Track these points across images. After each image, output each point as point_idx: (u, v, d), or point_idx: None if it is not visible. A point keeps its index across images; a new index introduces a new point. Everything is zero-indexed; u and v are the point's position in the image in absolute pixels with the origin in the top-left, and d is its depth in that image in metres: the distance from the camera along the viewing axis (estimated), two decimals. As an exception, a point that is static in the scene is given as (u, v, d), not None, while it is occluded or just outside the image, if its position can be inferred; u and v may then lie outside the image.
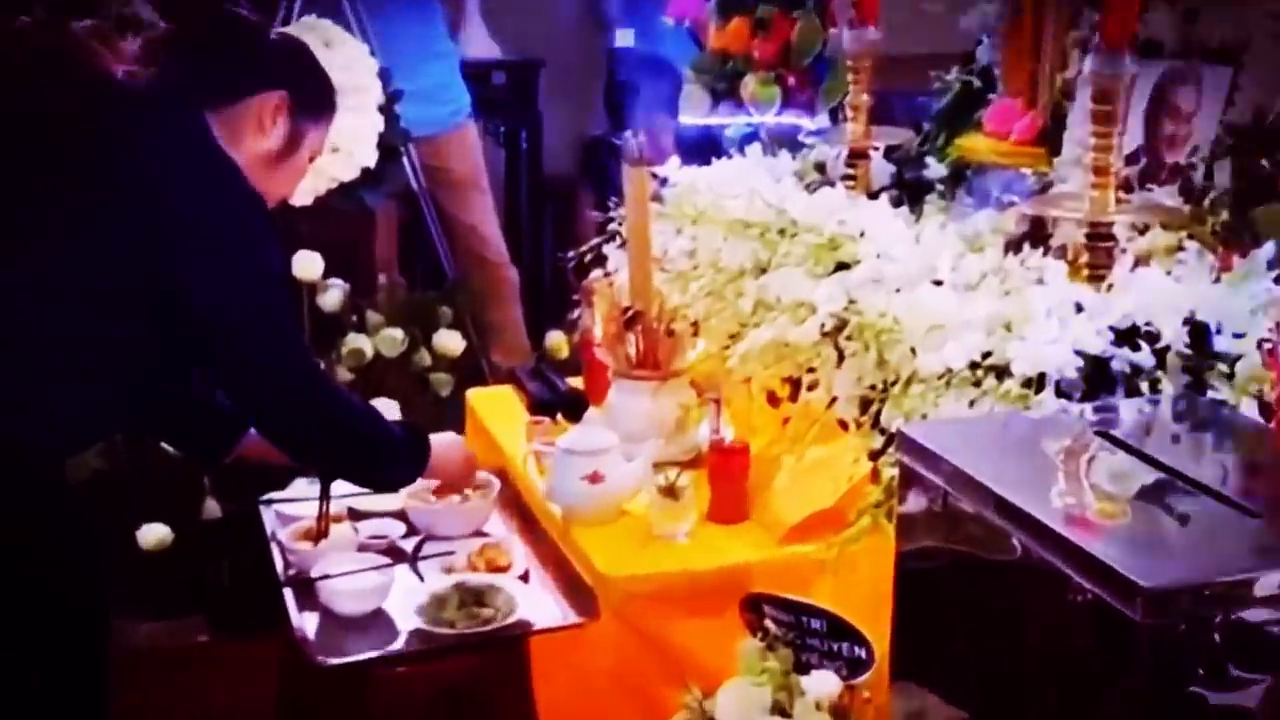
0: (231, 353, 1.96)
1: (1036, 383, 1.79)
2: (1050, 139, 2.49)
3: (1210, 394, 1.74)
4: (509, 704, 2.08)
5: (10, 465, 1.88)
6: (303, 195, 3.00)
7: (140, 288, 1.90)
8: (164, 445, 2.63)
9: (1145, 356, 1.79)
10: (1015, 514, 1.37)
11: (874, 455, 1.96)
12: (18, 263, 1.91)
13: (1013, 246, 2.17)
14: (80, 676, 2.02)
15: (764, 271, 2.30)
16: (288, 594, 2.17)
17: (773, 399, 2.33)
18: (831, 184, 2.65)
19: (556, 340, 3.33)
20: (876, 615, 1.75)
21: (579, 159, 5.39)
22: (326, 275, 3.09)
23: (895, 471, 1.68)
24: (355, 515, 2.38)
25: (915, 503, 1.56)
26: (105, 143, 1.92)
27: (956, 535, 1.48)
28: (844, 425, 2.09)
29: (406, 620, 2.07)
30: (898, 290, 2.06)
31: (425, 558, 2.27)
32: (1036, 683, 1.38)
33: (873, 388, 2.01)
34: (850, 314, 2.07)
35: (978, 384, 1.85)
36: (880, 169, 2.74)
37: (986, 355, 1.87)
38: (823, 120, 3.56)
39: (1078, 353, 1.79)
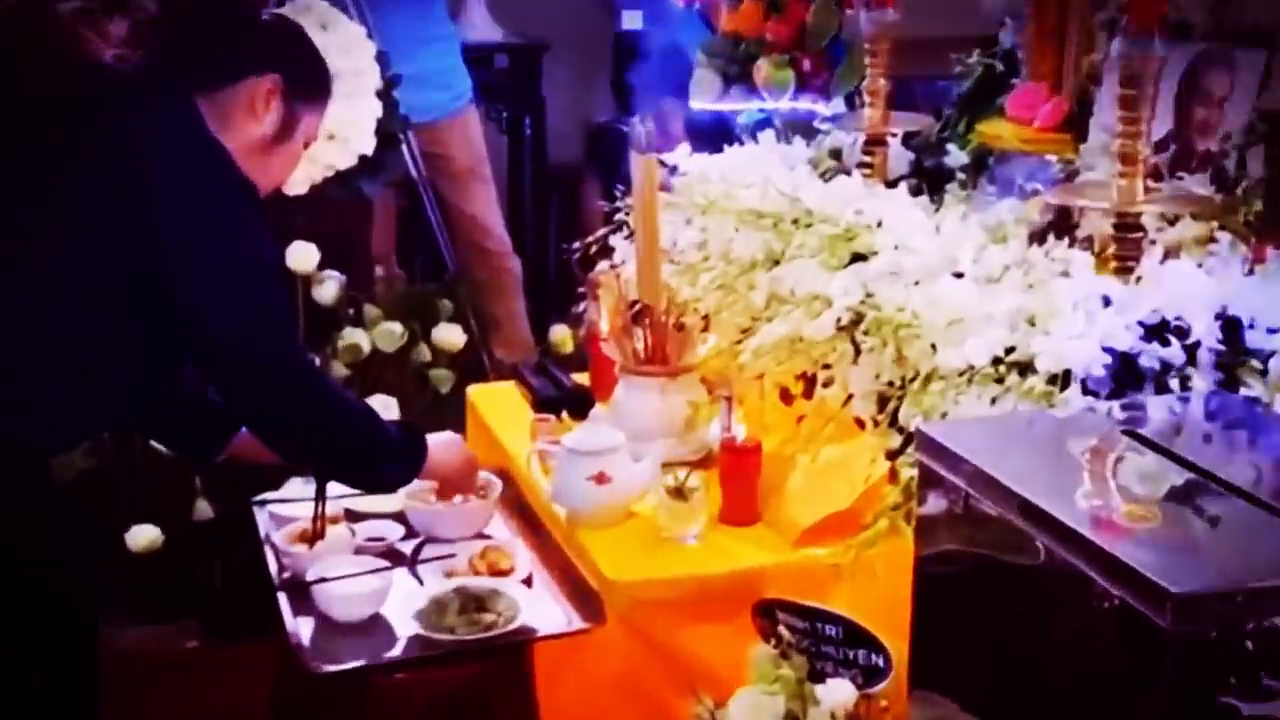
0: (221, 348, 1.96)
1: (1061, 380, 1.78)
2: (1076, 125, 2.48)
3: (1243, 392, 1.74)
4: (511, 713, 2.08)
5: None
6: (297, 184, 3.00)
7: (128, 280, 1.91)
8: (154, 443, 2.64)
9: (1175, 352, 1.78)
10: (1039, 516, 1.37)
11: (892, 455, 1.96)
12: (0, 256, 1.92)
13: (1037, 237, 2.17)
14: (69, 680, 2.03)
15: (777, 263, 2.30)
16: (282, 598, 2.17)
17: (786, 396, 2.33)
18: (848, 172, 2.64)
19: (561, 335, 3.33)
20: (894, 621, 1.75)
21: (585, 146, 5.39)
22: (322, 267, 3.09)
23: (914, 472, 1.67)
24: (352, 517, 2.38)
25: (935, 504, 1.55)
26: (92, 130, 1.92)
27: (978, 538, 1.48)
28: (860, 424, 2.09)
29: (405, 626, 2.07)
30: (917, 283, 2.06)
31: (425, 561, 2.28)
32: (1060, 692, 1.38)
33: (890, 385, 2.01)
34: (867, 308, 2.07)
35: (1000, 381, 1.84)
36: (898, 156, 2.74)
37: (1009, 351, 1.87)
38: (839, 105, 3.55)
39: (1105, 348, 1.78)
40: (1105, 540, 1.30)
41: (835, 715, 1.83)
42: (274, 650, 2.36)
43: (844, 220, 2.27)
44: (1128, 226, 2.00)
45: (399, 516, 2.38)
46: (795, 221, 2.34)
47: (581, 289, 2.85)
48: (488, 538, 2.35)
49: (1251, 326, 1.80)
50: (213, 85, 1.97)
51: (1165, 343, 1.79)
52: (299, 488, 2.43)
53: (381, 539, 2.33)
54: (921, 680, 1.61)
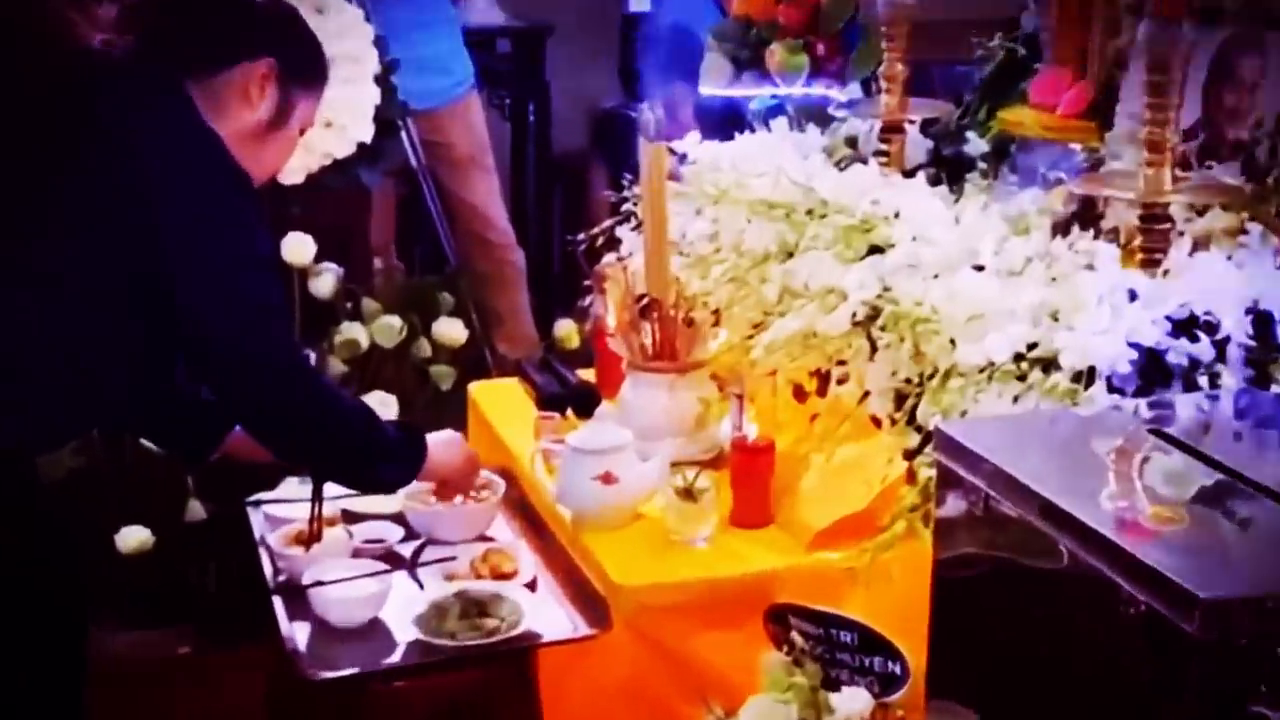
0: (215, 344, 1.97)
1: (1086, 376, 1.78)
2: (1101, 112, 2.48)
3: (1274, 389, 1.74)
4: (514, 722, 2.09)
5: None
6: (293, 173, 3.01)
7: (118, 273, 1.92)
8: (145, 442, 2.65)
9: (1204, 348, 1.78)
10: (1062, 518, 1.37)
11: (909, 455, 1.96)
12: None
13: (1060, 229, 2.17)
14: (57, 681, 2.04)
15: (790, 256, 2.30)
16: (277, 602, 2.18)
17: (800, 393, 2.33)
18: (864, 161, 2.64)
19: (566, 329, 3.33)
20: (911, 627, 1.75)
21: (590, 133, 5.39)
22: (318, 259, 3.09)
23: (932, 472, 1.67)
24: (350, 518, 2.39)
25: (954, 506, 1.55)
26: (80, 118, 1.93)
27: (998, 541, 1.48)
28: (877, 422, 2.09)
29: (404, 631, 2.08)
30: (935, 276, 2.06)
31: (425, 564, 2.28)
32: (1083, 702, 1.38)
33: (908, 381, 2.01)
34: (884, 302, 2.07)
35: (1022, 378, 1.84)
36: (917, 144, 2.73)
37: (1032, 347, 1.86)
38: (854, 91, 3.54)
39: (1131, 344, 1.78)
40: (1131, 543, 1.30)
41: (850, 724, 1.84)
42: (269, 656, 2.36)
43: (860, 211, 2.27)
44: (1155, 217, 2.00)
45: (398, 518, 2.39)
46: (809, 212, 2.34)
47: (587, 282, 2.85)
48: (490, 540, 2.35)
49: (1283, 321, 1.80)
50: (205, 71, 1.98)
51: (1194, 338, 1.79)
52: (295, 488, 2.43)
53: (380, 541, 2.33)
54: (939, 689, 1.61)
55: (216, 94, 1.98)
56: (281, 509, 2.41)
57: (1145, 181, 1.99)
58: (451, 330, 3.21)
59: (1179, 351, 1.78)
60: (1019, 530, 1.43)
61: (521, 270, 4.20)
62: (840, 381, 2.16)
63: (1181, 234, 2.07)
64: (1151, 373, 1.77)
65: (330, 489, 2.29)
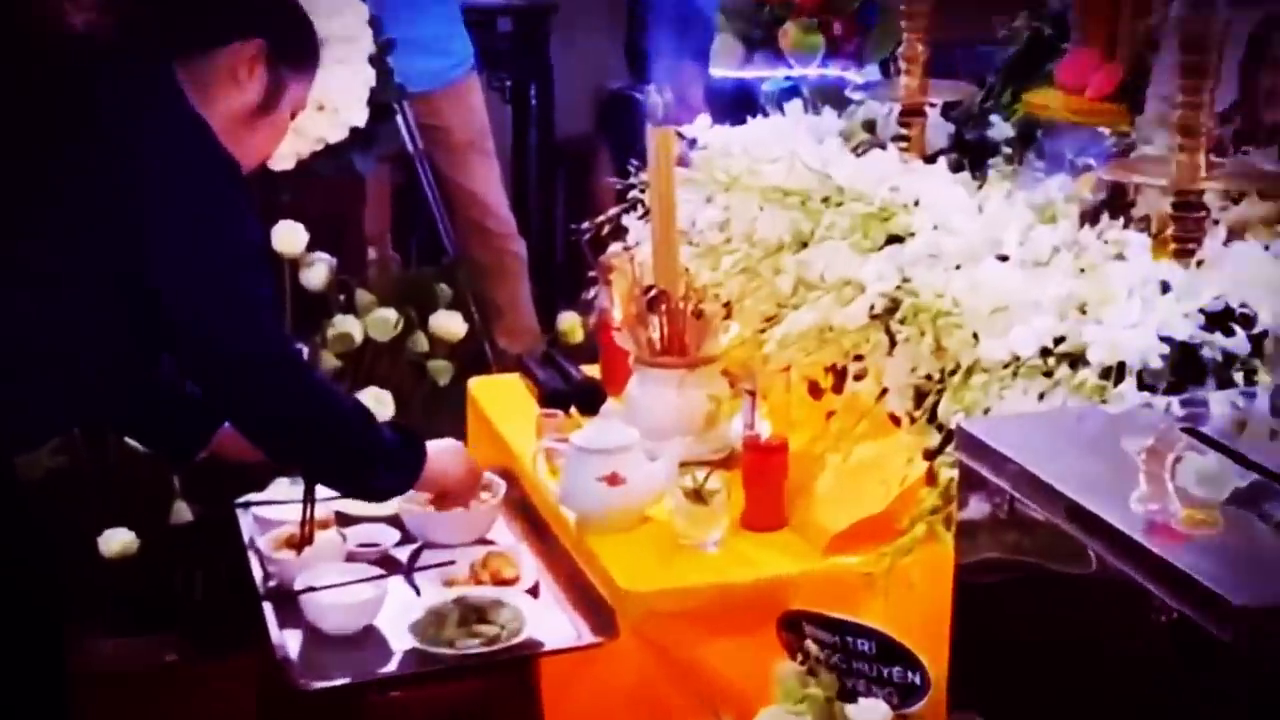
0: (202, 338, 1.97)
1: (1116, 372, 1.78)
2: (1131, 94, 2.48)
3: (1314, 385, 1.74)
4: (516, 734, 2.09)
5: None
6: (284, 159, 3.01)
7: (101, 264, 1.92)
8: (129, 440, 2.65)
9: (1239, 342, 1.78)
10: (1091, 522, 1.37)
11: (930, 455, 1.96)
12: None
13: (1089, 217, 2.17)
14: (36, 684, 2.05)
15: (805, 245, 2.30)
16: (267, 609, 2.18)
17: (815, 390, 2.33)
18: (882, 146, 2.64)
19: (570, 323, 3.33)
20: (932, 636, 1.75)
21: (595, 117, 5.39)
22: (310, 249, 3.09)
23: (954, 473, 1.67)
24: (344, 520, 2.39)
25: (977, 508, 1.55)
26: (62, 103, 1.93)
27: (1023, 545, 1.48)
28: (896, 420, 2.09)
29: (400, 639, 2.08)
30: (957, 267, 2.06)
31: (422, 568, 2.28)
32: (1112, 714, 1.38)
33: (928, 378, 2.01)
34: (903, 294, 2.07)
35: (1049, 374, 1.84)
36: (938, 128, 2.73)
37: (1058, 341, 1.87)
38: (872, 73, 3.55)
39: (1163, 338, 1.78)
40: (1162, 548, 1.30)
41: (868, 737, 1.84)
42: (258, 665, 2.37)
43: (878, 198, 2.27)
44: (1188, 205, 2.00)
45: (394, 520, 2.39)
46: (825, 200, 2.34)
47: (592, 273, 2.85)
48: (490, 543, 2.35)
49: (1323, 314, 1.80)
50: (191, 53, 1.98)
51: (1229, 332, 1.79)
52: (286, 489, 2.44)
53: (375, 545, 2.34)
54: (962, 700, 1.61)
55: (203, 77, 1.99)
56: (272, 511, 2.42)
57: (1178, 167, 1.99)
58: (449, 323, 3.22)
59: (1213, 346, 1.78)
60: (1045, 534, 1.43)
61: (523, 260, 4.20)
62: (857, 378, 2.16)
63: (1216, 222, 2.07)
64: (1184, 368, 1.77)
65: (323, 490, 2.28)
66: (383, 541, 2.35)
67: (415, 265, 4.02)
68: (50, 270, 1.92)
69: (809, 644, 1.99)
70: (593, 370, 2.78)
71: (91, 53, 2.06)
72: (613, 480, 2.23)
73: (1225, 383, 1.76)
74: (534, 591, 2.20)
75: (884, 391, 2.09)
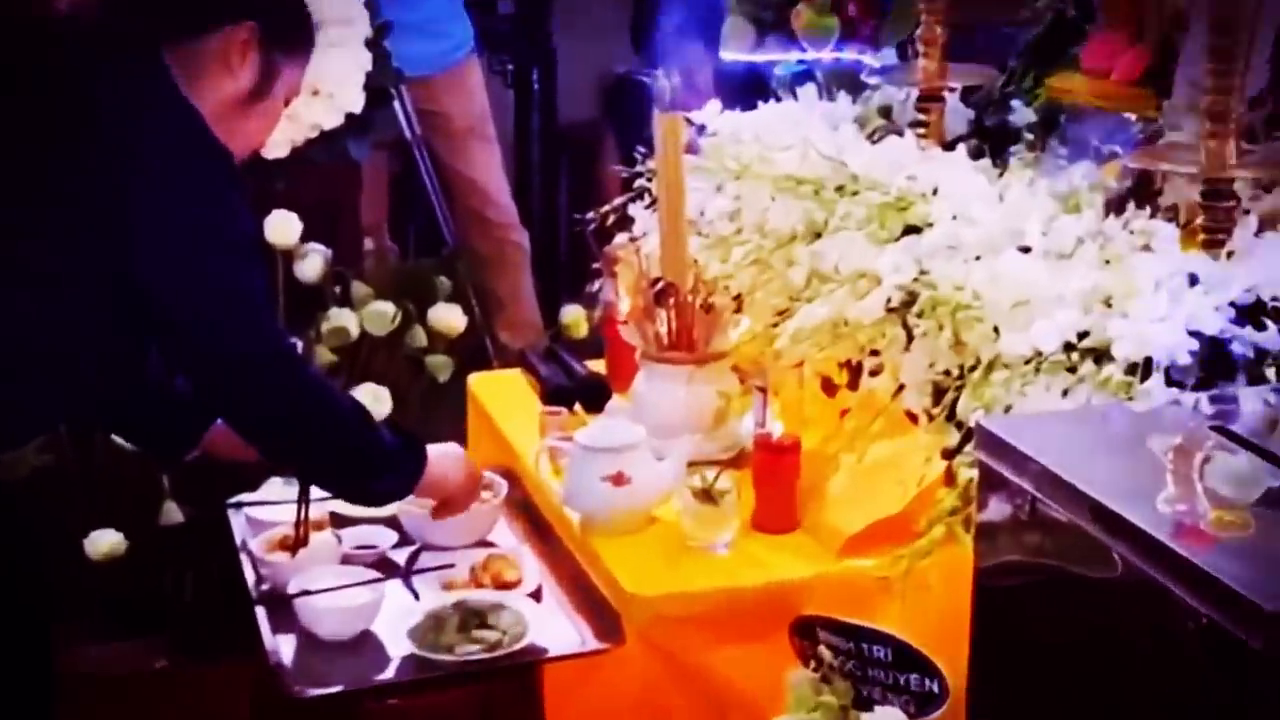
0: (193, 333, 1.98)
1: (1142, 369, 1.78)
2: (1159, 78, 2.47)
3: (1348, 382, 1.74)
4: (518, 743, 2.10)
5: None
6: (277, 146, 3.01)
7: (101, 264, 1.93)
8: (116, 439, 2.65)
9: (1271, 337, 1.78)
10: (1116, 523, 1.37)
11: (948, 454, 1.96)
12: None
13: (1114, 206, 2.17)
14: (20, 685, 2.06)
15: (819, 236, 2.30)
16: (260, 613, 2.18)
17: (829, 387, 2.33)
18: (899, 132, 2.64)
19: (574, 316, 3.33)
20: (950, 642, 1.76)
21: (601, 102, 5.39)
22: (304, 240, 3.10)
23: (973, 473, 1.67)
24: (339, 521, 2.39)
25: (997, 510, 1.55)
26: (48, 91, 1.94)
27: (1046, 548, 1.48)
28: (913, 418, 2.09)
29: (398, 645, 2.08)
30: (977, 258, 2.06)
31: (420, 571, 2.29)
32: (1140, 723, 1.38)
33: (947, 374, 2.01)
34: (921, 286, 2.07)
35: (1072, 370, 1.84)
36: (957, 114, 2.73)
37: (1083, 336, 1.87)
38: (889, 56, 3.54)
39: (1192, 333, 1.78)
40: (1190, 550, 1.30)
41: (883, 747, 1.84)
42: (251, 671, 2.37)
43: (895, 187, 2.27)
44: (1218, 194, 2.00)
45: (391, 522, 2.39)
46: (839, 189, 2.34)
47: (597, 265, 2.86)
48: (491, 545, 2.36)
49: (1359, 308, 1.80)
50: (182, 37, 1.98)
51: (1260, 326, 1.79)
52: (279, 489, 2.44)
53: (372, 547, 2.34)
54: (981, 708, 1.61)
55: (194, 62, 1.99)
56: (265, 512, 2.42)
57: (1207, 155, 1.99)
58: (449, 317, 3.22)
59: (1244, 341, 1.78)
60: (1068, 536, 1.43)
61: (525, 251, 4.20)
62: (873, 374, 2.16)
63: (1247, 212, 2.07)
64: (1214, 364, 1.77)
65: (318, 490, 2.29)
66: (380, 543, 2.35)
67: (413, 256, 4.02)
68: (50, 270, 1.93)
69: (822, 650, 1.99)
70: (597, 366, 2.78)
71: (75, 36, 2.06)
72: (618, 480, 2.24)
73: (1256, 379, 1.76)
74: (536, 595, 2.21)
75: (901, 388, 2.09)
